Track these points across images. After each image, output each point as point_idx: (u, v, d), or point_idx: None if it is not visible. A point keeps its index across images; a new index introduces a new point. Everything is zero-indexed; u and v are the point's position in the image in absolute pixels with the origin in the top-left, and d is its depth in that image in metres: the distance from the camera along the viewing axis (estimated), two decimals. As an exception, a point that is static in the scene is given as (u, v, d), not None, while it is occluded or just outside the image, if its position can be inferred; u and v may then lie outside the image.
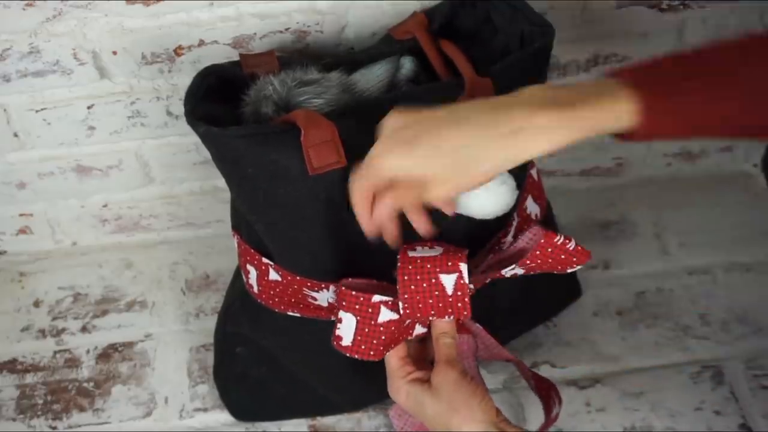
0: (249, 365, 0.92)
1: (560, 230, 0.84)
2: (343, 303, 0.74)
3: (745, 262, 1.06)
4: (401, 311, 0.72)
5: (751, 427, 0.91)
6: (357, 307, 0.73)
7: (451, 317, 0.73)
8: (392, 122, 0.66)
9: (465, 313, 0.72)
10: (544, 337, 1.00)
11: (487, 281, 0.77)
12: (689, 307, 1.02)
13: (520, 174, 0.78)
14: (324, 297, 0.80)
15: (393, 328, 0.73)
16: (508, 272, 0.75)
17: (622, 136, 0.63)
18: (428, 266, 0.71)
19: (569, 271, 0.74)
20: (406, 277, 0.71)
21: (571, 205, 1.11)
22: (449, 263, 0.72)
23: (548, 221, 0.93)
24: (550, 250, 0.71)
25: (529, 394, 0.94)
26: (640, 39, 0.99)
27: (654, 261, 1.07)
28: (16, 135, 0.99)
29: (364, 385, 0.88)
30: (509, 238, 0.83)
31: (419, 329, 0.76)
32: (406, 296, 0.72)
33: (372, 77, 0.81)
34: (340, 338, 0.74)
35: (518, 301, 0.92)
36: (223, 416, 0.96)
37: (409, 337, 0.76)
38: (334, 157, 0.72)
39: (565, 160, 1.12)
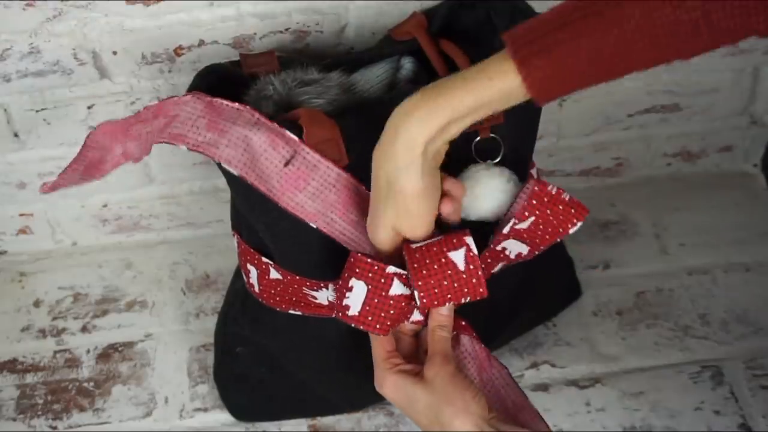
0: (249, 365, 0.92)
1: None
2: (356, 270, 0.71)
3: (745, 263, 1.06)
4: (418, 302, 0.70)
5: (751, 427, 0.92)
6: (370, 275, 0.71)
7: (468, 298, 0.71)
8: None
9: (481, 290, 0.70)
10: (544, 337, 1.00)
11: (494, 270, 0.77)
12: (689, 307, 1.02)
13: (521, 173, 0.78)
14: (324, 296, 0.80)
15: (403, 303, 0.72)
16: (513, 252, 0.73)
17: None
18: (434, 249, 0.70)
19: (571, 231, 0.72)
20: (415, 265, 0.69)
21: (571, 205, 1.11)
22: (454, 240, 0.70)
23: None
24: (546, 199, 0.70)
25: (529, 395, 0.94)
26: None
27: (654, 261, 1.07)
28: (16, 135, 0.99)
29: (364, 384, 0.88)
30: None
31: (417, 315, 0.75)
32: (420, 284, 0.69)
33: (372, 77, 0.81)
34: (346, 308, 0.72)
35: (518, 301, 0.92)
36: (223, 416, 0.96)
37: (406, 322, 0.76)
38: (336, 156, 0.72)
39: (565, 160, 1.12)
